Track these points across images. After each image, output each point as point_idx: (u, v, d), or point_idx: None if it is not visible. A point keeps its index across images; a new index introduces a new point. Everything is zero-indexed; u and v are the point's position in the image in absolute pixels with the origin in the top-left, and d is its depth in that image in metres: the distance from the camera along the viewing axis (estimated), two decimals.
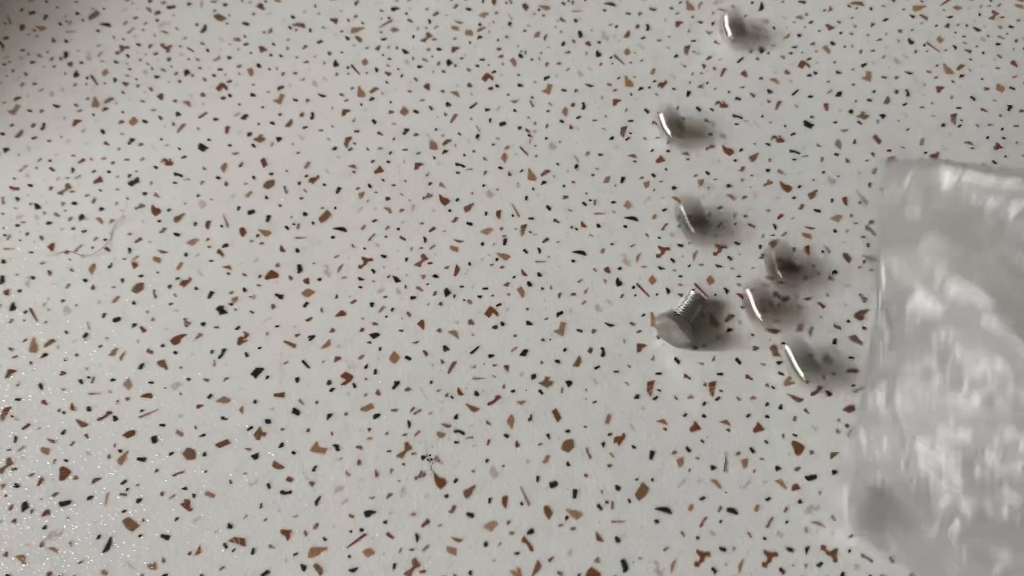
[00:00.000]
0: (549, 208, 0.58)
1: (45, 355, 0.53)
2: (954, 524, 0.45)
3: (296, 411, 0.51)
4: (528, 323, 0.54)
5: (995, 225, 0.52)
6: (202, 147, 0.60)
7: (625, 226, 0.57)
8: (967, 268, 0.50)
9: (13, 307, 0.54)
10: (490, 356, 0.53)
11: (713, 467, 0.49)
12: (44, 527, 0.48)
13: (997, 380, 0.47)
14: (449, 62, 0.64)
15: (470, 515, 0.48)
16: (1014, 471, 0.45)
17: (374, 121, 0.61)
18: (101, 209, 0.58)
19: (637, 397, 0.51)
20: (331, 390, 0.52)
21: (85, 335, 0.53)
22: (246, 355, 0.53)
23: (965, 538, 0.45)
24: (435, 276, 0.55)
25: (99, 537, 0.47)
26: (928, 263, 0.51)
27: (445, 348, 0.53)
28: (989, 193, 0.53)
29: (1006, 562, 0.44)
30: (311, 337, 0.53)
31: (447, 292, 0.55)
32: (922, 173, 0.54)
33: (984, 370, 0.48)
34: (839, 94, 0.62)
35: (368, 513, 0.48)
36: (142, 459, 0.50)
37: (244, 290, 0.55)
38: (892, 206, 0.54)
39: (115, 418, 0.51)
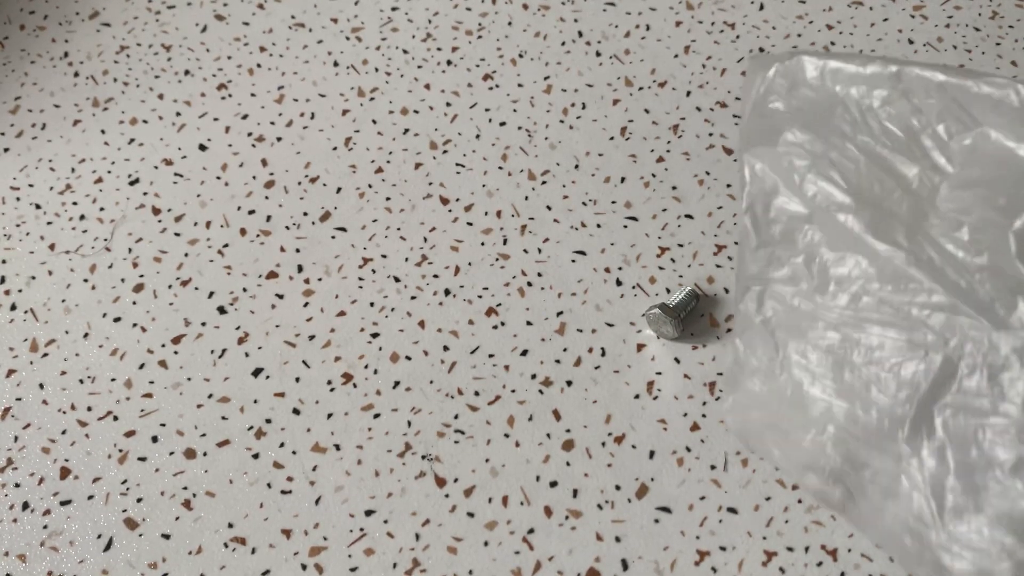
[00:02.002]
0: (549, 208, 0.58)
1: (46, 355, 0.53)
2: (828, 430, 0.46)
3: (296, 411, 0.51)
4: (528, 323, 0.54)
5: (859, 115, 0.51)
6: (202, 147, 0.60)
7: (625, 226, 0.57)
8: (826, 163, 0.50)
9: (14, 307, 0.54)
10: (490, 356, 0.53)
11: (713, 467, 0.49)
12: (44, 527, 0.48)
13: (861, 279, 0.47)
14: (449, 62, 0.64)
15: (470, 515, 0.48)
16: (880, 372, 0.45)
17: (374, 121, 0.61)
18: (101, 209, 0.58)
19: (637, 397, 0.51)
20: (331, 390, 0.52)
21: (85, 335, 0.53)
22: (246, 355, 0.53)
23: (839, 444, 0.45)
24: (435, 276, 0.55)
25: (99, 537, 0.48)
26: (789, 159, 0.50)
27: (445, 348, 0.53)
28: (853, 82, 0.51)
29: (875, 465, 0.45)
30: (311, 337, 0.53)
31: (447, 292, 0.55)
32: (787, 64, 0.53)
33: (848, 270, 0.47)
34: None
35: (368, 513, 0.48)
36: (142, 459, 0.50)
37: (244, 290, 0.55)
38: (755, 100, 0.53)
39: (115, 418, 0.51)
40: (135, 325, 0.54)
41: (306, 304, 0.54)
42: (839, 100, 0.51)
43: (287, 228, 0.57)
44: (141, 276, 0.55)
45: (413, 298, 0.54)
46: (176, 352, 0.53)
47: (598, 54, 0.64)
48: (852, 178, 0.49)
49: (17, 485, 0.49)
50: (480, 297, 0.54)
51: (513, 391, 0.51)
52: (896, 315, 0.46)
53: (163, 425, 0.51)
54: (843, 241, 0.48)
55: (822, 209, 0.49)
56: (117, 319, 0.54)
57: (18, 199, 0.58)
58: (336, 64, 0.64)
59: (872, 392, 0.45)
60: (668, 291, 0.55)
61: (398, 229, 0.57)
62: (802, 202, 0.49)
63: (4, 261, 0.56)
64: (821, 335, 0.47)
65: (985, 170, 0.48)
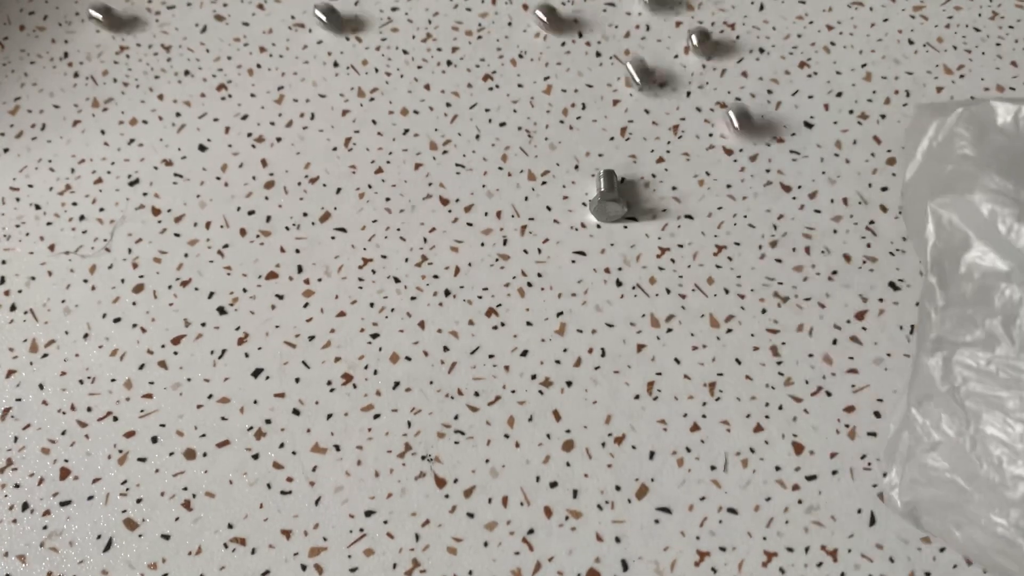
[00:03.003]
0: (549, 208, 0.58)
1: (45, 356, 0.53)
2: None
3: (296, 411, 0.51)
4: (528, 323, 0.54)
5: None
6: (202, 148, 0.60)
7: (625, 226, 0.57)
8: None
9: (13, 308, 0.54)
10: (490, 356, 0.53)
11: (713, 467, 0.49)
12: (44, 527, 0.48)
13: None
14: (449, 62, 0.64)
15: (470, 515, 0.48)
16: None
17: (374, 122, 0.61)
18: (101, 210, 0.58)
19: (637, 397, 0.51)
20: (331, 390, 0.52)
21: (85, 336, 0.53)
22: (246, 355, 0.53)
23: None
24: (435, 276, 0.55)
25: (99, 537, 0.47)
26: (988, 209, 0.44)
27: (445, 348, 0.53)
28: None
29: None
30: (311, 338, 0.53)
31: (447, 292, 0.55)
32: (972, 110, 0.48)
33: None
34: (839, 94, 0.62)
35: (368, 513, 0.48)
36: (142, 459, 0.50)
37: (244, 291, 0.55)
38: (931, 149, 0.48)
39: (115, 418, 0.51)
40: (135, 325, 0.54)
41: (306, 304, 0.54)
42: None
43: (287, 228, 0.57)
44: (141, 276, 0.55)
45: (413, 298, 0.54)
46: (176, 353, 0.53)
47: (598, 54, 0.64)
48: None
49: (17, 486, 0.49)
50: (480, 297, 0.54)
51: (513, 391, 0.51)
52: None
53: (163, 426, 0.51)
54: None
55: None
56: (117, 319, 0.54)
57: (18, 199, 0.58)
58: (336, 64, 0.64)
59: None
60: (668, 291, 0.55)
61: (398, 229, 0.57)
62: (1005, 255, 0.43)
63: (4, 261, 0.56)
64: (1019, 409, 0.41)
65: None
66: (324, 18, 0.63)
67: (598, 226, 0.57)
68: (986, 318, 0.43)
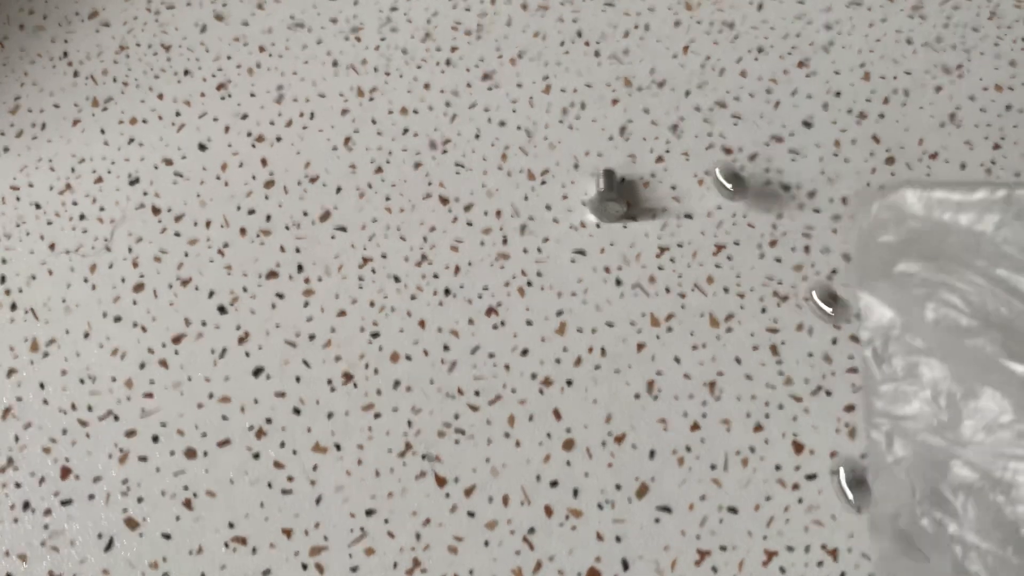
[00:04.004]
0: (549, 208, 0.58)
1: (46, 355, 0.53)
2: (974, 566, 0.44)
3: (297, 411, 0.51)
4: (528, 323, 0.54)
5: (972, 241, 0.51)
6: (202, 147, 0.60)
7: (625, 226, 0.57)
8: (945, 289, 0.49)
9: (14, 307, 0.54)
10: (490, 356, 0.53)
11: (713, 467, 0.49)
12: (45, 526, 0.48)
13: (995, 411, 0.46)
14: (448, 62, 0.64)
15: (471, 514, 0.48)
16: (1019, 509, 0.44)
17: (374, 121, 0.61)
18: (101, 209, 0.58)
19: (637, 397, 0.51)
20: (332, 390, 0.52)
21: (86, 335, 0.53)
22: (247, 355, 0.53)
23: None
24: (435, 276, 0.55)
25: (100, 536, 0.48)
26: (906, 290, 0.50)
27: (445, 348, 0.53)
28: (960, 210, 0.52)
29: None
30: (311, 337, 0.53)
31: (447, 292, 0.55)
32: (889, 199, 0.53)
33: (981, 402, 0.46)
34: (838, 94, 0.62)
35: (369, 512, 0.48)
36: (143, 458, 0.50)
37: (244, 290, 0.55)
38: (862, 236, 0.53)
39: (116, 418, 0.51)
40: (135, 325, 0.54)
41: (306, 304, 0.54)
42: (948, 229, 0.51)
43: (287, 228, 0.57)
44: (141, 276, 0.55)
45: (413, 298, 0.54)
46: (176, 352, 0.53)
47: (597, 54, 0.64)
48: (976, 301, 0.48)
49: (18, 485, 0.49)
50: (480, 297, 0.55)
51: (513, 391, 0.52)
52: None
53: (164, 425, 0.51)
54: (972, 370, 0.47)
55: (948, 337, 0.48)
56: (117, 319, 0.54)
57: (18, 199, 0.58)
58: (336, 64, 0.64)
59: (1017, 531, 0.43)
60: (667, 291, 0.55)
61: (398, 229, 0.57)
62: (923, 333, 0.48)
63: (4, 261, 0.56)
64: (959, 474, 0.45)
65: None
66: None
67: (597, 225, 0.57)
68: (918, 391, 0.48)
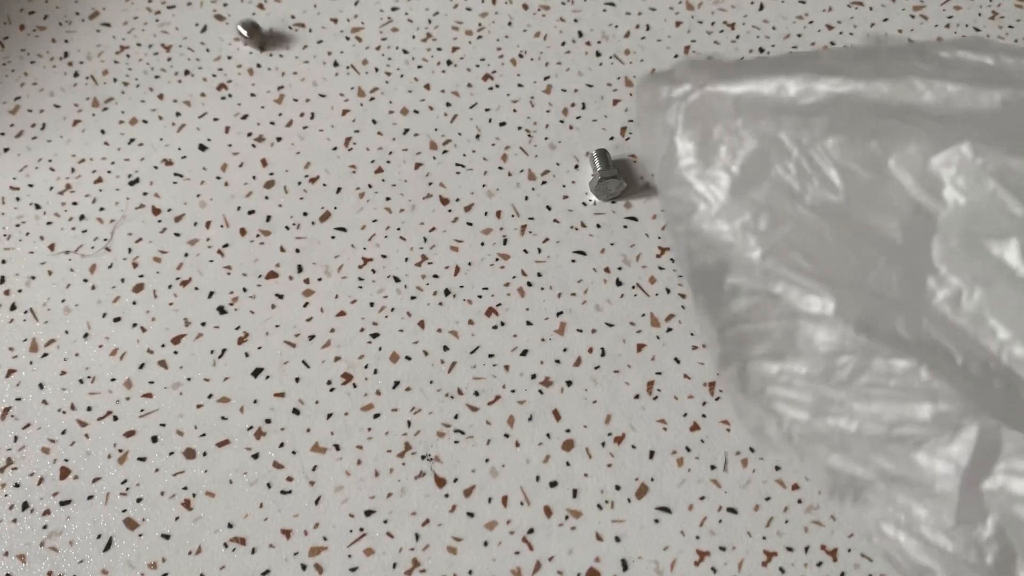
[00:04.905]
0: (549, 208, 0.58)
1: (45, 355, 0.53)
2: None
3: (296, 411, 0.51)
4: (528, 323, 0.54)
5: (804, 159, 0.45)
6: (202, 147, 0.60)
7: (625, 226, 0.57)
8: (784, 244, 0.45)
9: (13, 307, 0.54)
10: (490, 356, 0.53)
11: (713, 467, 0.49)
12: (44, 527, 0.48)
13: (856, 355, 0.44)
14: (449, 62, 0.64)
15: (470, 515, 0.48)
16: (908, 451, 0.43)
17: (374, 121, 0.61)
18: (101, 209, 0.58)
19: (637, 397, 0.51)
20: (331, 390, 0.52)
21: (85, 335, 0.53)
22: (246, 355, 0.53)
23: None
24: (435, 276, 0.55)
25: (99, 537, 0.48)
26: (729, 239, 0.46)
27: (445, 348, 0.53)
28: (783, 111, 0.46)
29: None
30: (311, 337, 0.53)
31: (447, 292, 0.55)
32: (690, 100, 0.49)
33: (841, 344, 0.44)
34: None
35: (368, 513, 0.48)
36: (142, 459, 0.50)
37: (244, 290, 0.55)
38: (663, 150, 0.48)
39: (115, 418, 0.51)
40: (135, 325, 0.54)
41: (306, 304, 0.54)
42: (773, 141, 0.44)
43: (287, 228, 0.57)
44: (141, 276, 0.55)
45: (413, 298, 0.54)
46: (176, 352, 0.53)
47: (598, 54, 0.64)
48: (820, 257, 0.42)
49: (17, 485, 0.49)
50: (480, 297, 0.54)
51: (513, 391, 0.51)
52: (908, 387, 0.42)
53: (163, 425, 0.51)
54: (831, 337, 0.43)
55: (798, 313, 0.44)
56: (117, 319, 0.54)
57: (18, 199, 0.58)
58: (336, 64, 0.64)
59: (902, 471, 0.42)
60: (668, 291, 0.55)
61: (398, 229, 0.57)
62: (760, 282, 0.45)
63: (4, 261, 0.56)
64: (826, 409, 0.44)
65: (982, 198, 0.42)
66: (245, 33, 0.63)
67: (598, 226, 0.57)
68: (767, 331, 0.45)
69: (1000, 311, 0.41)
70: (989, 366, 0.40)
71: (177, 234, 0.57)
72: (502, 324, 0.54)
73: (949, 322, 0.41)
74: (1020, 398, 0.40)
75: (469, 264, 0.56)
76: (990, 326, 0.40)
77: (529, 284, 0.55)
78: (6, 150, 0.60)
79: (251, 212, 0.58)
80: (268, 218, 0.57)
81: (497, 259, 0.56)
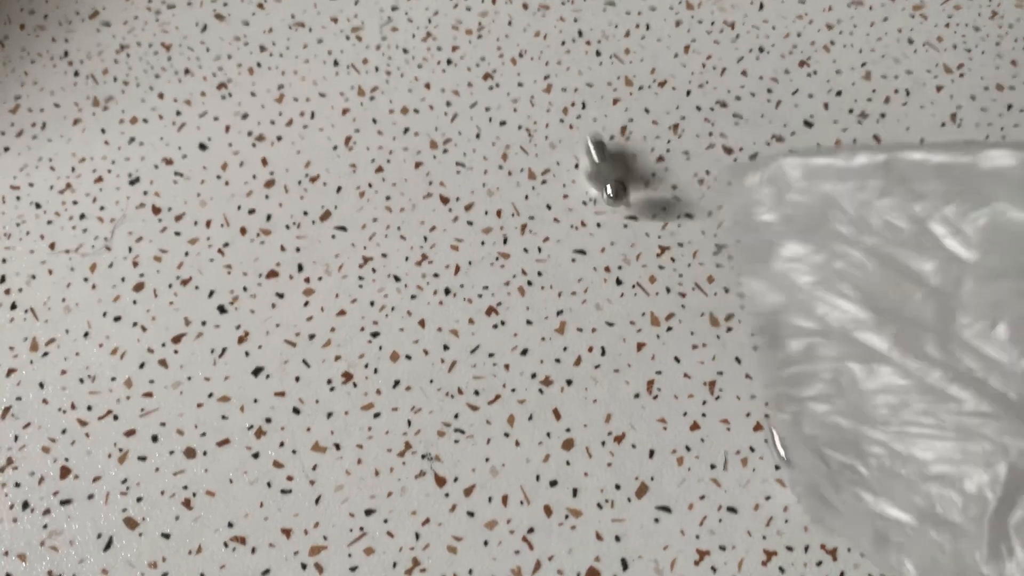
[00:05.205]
0: (549, 207, 0.58)
1: (46, 354, 0.53)
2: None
3: (296, 410, 0.51)
4: (528, 322, 0.54)
5: (855, 213, 0.49)
6: (202, 146, 0.60)
7: (625, 226, 0.57)
8: (832, 275, 0.48)
9: (14, 306, 0.54)
10: (490, 355, 0.53)
11: (713, 466, 0.49)
12: (45, 526, 0.48)
13: (896, 391, 0.45)
14: (449, 61, 0.64)
15: (470, 514, 0.48)
16: (939, 489, 0.44)
17: (374, 120, 0.61)
18: (102, 208, 0.58)
19: (637, 396, 0.51)
20: (331, 389, 0.52)
21: (86, 334, 0.53)
22: (246, 354, 0.53)
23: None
24: (435, 275, 0.55)
25: (99, 536, 0.48)
26: (790, 278, 0.49)
27: (445, 347, 0.53)
28: (842, 177, 0.49)
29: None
30: (311, 336, 0.53)
31: (447, 291, 0.55)
32: (769, 170, 0.50)
33: (882, 382, 0.46)
34: (839, 94, 0.62)
35: (368, 512, 0.48)
36: (142, 458, 0.50)
37: (244, 289, 0.55)
38: (741, 213, 0.51)
39: (115, 417, 0.51)
40: (135, 324, 0.54)
41: (306, 303, 0.54)
42: (831, 201, 0.49)
43: (287, 227, 0.57)
44: (141, 275, 0.55)
45: (413, 297, 0.54)
46: (176, 351, 0.53)
47: (598, 54, 0.64)
48: (864, 287, 0.47)
49: (17, 484, 0.49)
50: (480, 296, 0.54)
51: (513, 390, 0.51)
52: (943, 425, 0.44)
53: (163, 424, 0.51)
54: (869, 355, 0.46)
55: (839, 328, 0.47)
56: (117, 318, 0.54)
57: (18, 198, 0.58)
58: (336, 64, 0.64)
59: (937, 510, 0.43)
60: (668, 291, 0.55)
61: (398, 228, 0.57)
62: (815, 321, 0.47)
63: (4, 260, 0.56)
64: (867, 451, 0.45)
65: (1008, 254, 0.45)
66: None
67: (598, 225, 0.57)
68: (820, 372, 0.47)
69: None
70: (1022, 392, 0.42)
71: (177, 233, 0.57)
72: (502, 323, 0.54)
73: (981, 352, 0.44)
74: None
75: (469, 263, 0.56)
76: (1018, 354, 0.43)
77: (529, 283, 0.55)
78: (6, 149, 0.60)
79: (251, 211, 0.58)
80: (268, 217, 0.57)
81: (497, 258, 0.56)
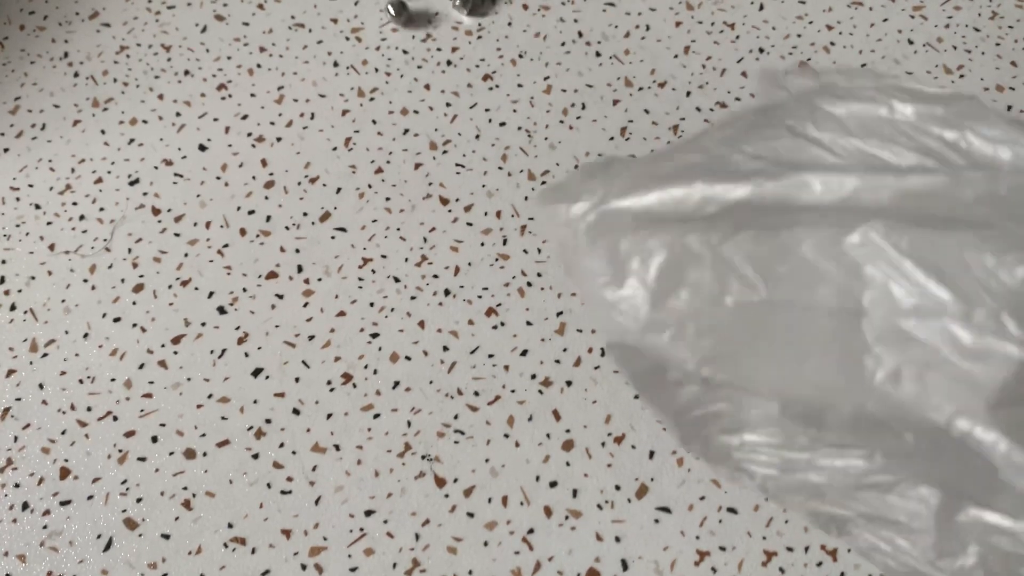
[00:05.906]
0: None
1: (45, 355, 0.53)
2: None
3: (296, 411, 0.51)
4: (528, 323, 0.54)
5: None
6: (202, 147, 0.60)
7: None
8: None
9: (13, 307, 0.54)
10: (490, 356, 0.53)
11: None
12: (44, 527, 0.48)
13: None
14: (449, 62, 0.64)
15: (470, 515, 0.48)
16: None
17: (374, 121, 0.61)
18: (101, 209, 0.58)
19: (637, 397, 0.51)
20: (331, 390, 0.52)
21: (85, 335, 0.53)
22: (246, 355, 0.53)
23: None
24: (435, 276, 0.55)
25: (99, 537, 0.47)
26: None
27: (445, 348, 0.53)
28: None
29: None
30: (311, 337, 0.53)
31: (447, 292, 0.55)
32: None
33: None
34: None
35: (368, 513, 0.48)
36: (142, 459, 0.50)
37: (244, 290, 0.55)
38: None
39: (115, 418, 0.51)
40: (135, 325, 0.54)
41: (306, 304, 0.54)
42: (682, 247, 0.47)
43: (287, 228, 0.57)
44: (141, 276, 0.55)
45: (413, 298, 0.54)
46: (176, 352, 0.53)
47: (598, 54, 0.64)
48: (754, 360, 0.45)
49: (17, 485, 0.49)
50: (480, 297, 0.54)
51: (513, 391, 0.51)
52: None
53: (163, 425, 0.51)
54: (778, 439, 0.47)
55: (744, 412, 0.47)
56: (117, 319, 0.54)
57: (18, 199, 0.58)
58: (336, 64, 0.64)
59: None
60: None
61: (398, 229, 0.57)
62: (709, 384, 0.47)
63: (4, 261, 0.56)
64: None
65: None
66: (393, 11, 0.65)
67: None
68: None
69: (940, 386, 0.42)
70: (939, 441, 0.42)
71: (177, 234, 0.57)
72: (502, 324, 0.54)
73: (893, 400, 0.43)
74: (973, 467, 0.41)
75: (469, 264, 0.56)
76: (933, 401, 0.42)
77: (529, 284, 0.55)
78: (6, 150, 0.60)
79: (251, 212, 0.58)
80: (268, 218, 0.57)
81: (497, 259, 0.56)
